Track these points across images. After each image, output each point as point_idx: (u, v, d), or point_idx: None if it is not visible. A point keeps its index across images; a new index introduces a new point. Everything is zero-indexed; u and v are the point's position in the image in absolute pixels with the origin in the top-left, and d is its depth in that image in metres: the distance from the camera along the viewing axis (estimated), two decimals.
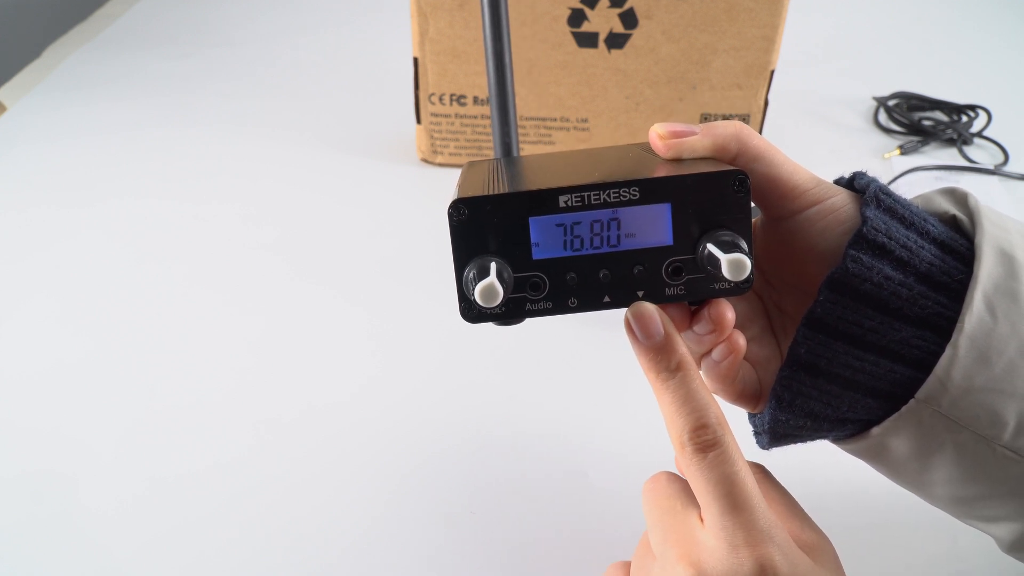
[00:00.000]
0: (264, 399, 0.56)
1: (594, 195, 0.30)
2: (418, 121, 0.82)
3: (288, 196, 0.79)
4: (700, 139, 0.33)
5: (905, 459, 0.34)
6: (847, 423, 0.34)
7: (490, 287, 0.29)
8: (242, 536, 0.47)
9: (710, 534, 0.29)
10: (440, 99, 0.80)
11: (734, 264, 0.29)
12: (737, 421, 0.46)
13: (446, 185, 0.81)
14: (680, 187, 0.30)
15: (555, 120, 0.81)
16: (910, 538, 0.47)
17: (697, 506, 0.31)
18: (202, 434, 0.53)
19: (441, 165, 0.84)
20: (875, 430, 0.33)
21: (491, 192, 0.30)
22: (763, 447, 0.37)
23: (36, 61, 1.04)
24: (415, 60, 0.78)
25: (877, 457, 0.35)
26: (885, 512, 0.48)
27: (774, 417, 0.34)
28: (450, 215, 0.30)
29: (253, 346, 0.61)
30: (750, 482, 0.29)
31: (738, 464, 0.29)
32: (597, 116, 0.80)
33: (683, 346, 0.31)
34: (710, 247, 0.30)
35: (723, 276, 0.30)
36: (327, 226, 0.75)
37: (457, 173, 0.83)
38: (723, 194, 0.30)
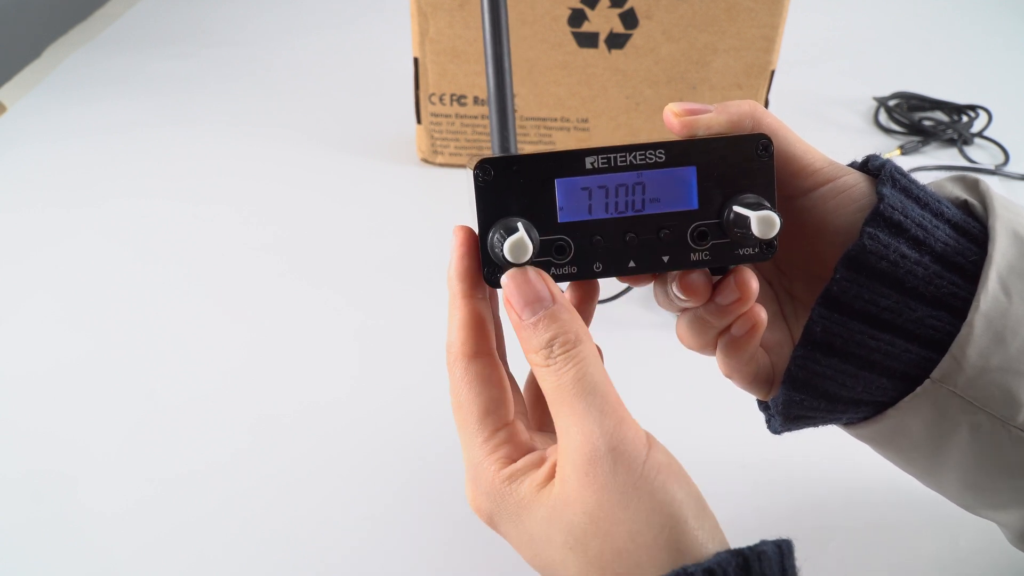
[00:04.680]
0: (264, 398, 0.56)
1: (620, 157, 0.30)
2: (418, 121, 0.82)
3: (288, 196, 0.79)
4: (715, 116, 0.33)
5: (918, 442, 0.33)
6: (861, 405, 0.34)
7: (520, 241, 0.29)
8: (243, 536, 0.47)
9: None
10: (440, 99, 0.80)
11: (764, 220, 0.29)
12: (746, 399, 0.46)
13: (446, 185, 0.81)
14: (705, 150, 0.31)
15: (555, 120, 0.81)
16: (910, 539, 0.47)
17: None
18: (202, 434, 0.53)
19: (441, 165, 0.84)
20: (890, 411, 0.33)
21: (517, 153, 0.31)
22: (775, 431, 0.37)
23: (36, 61, 1.04)
24: (415, 60, 0.78)
25: (890, 442, 0.35)
26: (886, 513, 0.48)
27: (788, 398, 0.34)
28: (476, 175, 0.30)
29: (253, 346, 0.61)
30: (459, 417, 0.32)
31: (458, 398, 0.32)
32: (597, 116, 0.80)
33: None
34: (736, 208, 0.30)
35: (748, 240, 0.30)
36: (327, 226, 0.75)
37: (457, 173, 0.83)
38: (747, 158, 0.31)
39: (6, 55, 1.06)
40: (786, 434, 0.42)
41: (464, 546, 0.47)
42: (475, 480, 0.30)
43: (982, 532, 0.46)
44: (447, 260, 0.31)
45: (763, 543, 0.26)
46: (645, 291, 0.66)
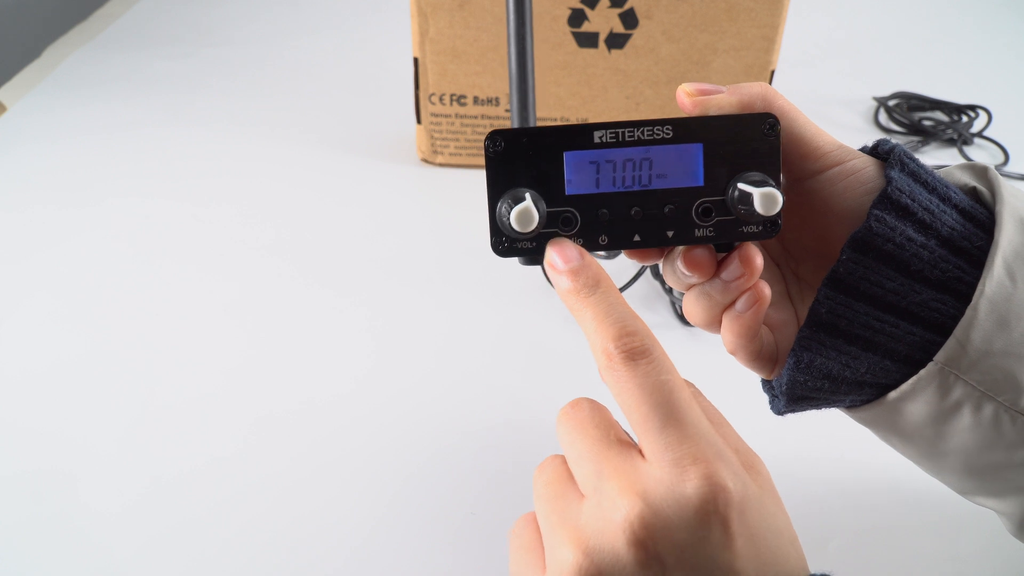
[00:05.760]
0: (264, 398, 0.56)
1: (628, 132, 0.31)
2: (418, 121, 0.82)
3: (288, 196, 0.79)
4: (727, 97, 0.33)
5: (920, 426, 0.34)
6: (864, 387, 0.34)
7: (526, 210, 0.29)
8: (242, 535, 0.47)
9: (652, 458, 0.26)
10: (440, 99, 0.80)
11: (766, 197, 0.29)
12: (746, 393, 0.46)
13: (446, 185, 0.81)
14: (712, 127, 0.31)
15: (555, 120, 0.81)
16: (911, 540, 0.47)
17: (632, 440, 0.28)
18: (202, 433, 0.53)
19: (441, 165, 0.84)
20: (892, 394, 0.33)
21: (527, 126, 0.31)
22: (778, 411, 0.37)
23: (36, 61, 1.04)
24: (415, 60, 0.78)
25: (891, 426, 0.35)
26: (886, 514, 0.48)
27: (792, 378, 0.34)
28: (486, 146, 0.31)
29: (253, 345, 0.61)
30: (686, 393, 0.27)
31: (673, 373, 0.27)
32: (597, 116, 0.80)
33: (601, 269, 0.30)
34: (741, 185, 0.31)
35: (752, 217, 0.30)
36: (327, 226, 0.75)
37: (457, 173, 0.83)
38: (754, 136, 0.31)
39: (6, 55, 1.06)
40: (786, 433, 0.42)
41: (466, 548, 0.47)
42: (721, 458, 0.26)
43: (982, 532, 0.46)
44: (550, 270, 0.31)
45: None
46: (645, 291, 0.66)
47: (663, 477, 0.25)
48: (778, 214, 0.30)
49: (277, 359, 0.60)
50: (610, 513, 0.26)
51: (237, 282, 0.67)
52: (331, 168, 0.83)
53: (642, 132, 0.31)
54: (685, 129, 0.31)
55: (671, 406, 0.26)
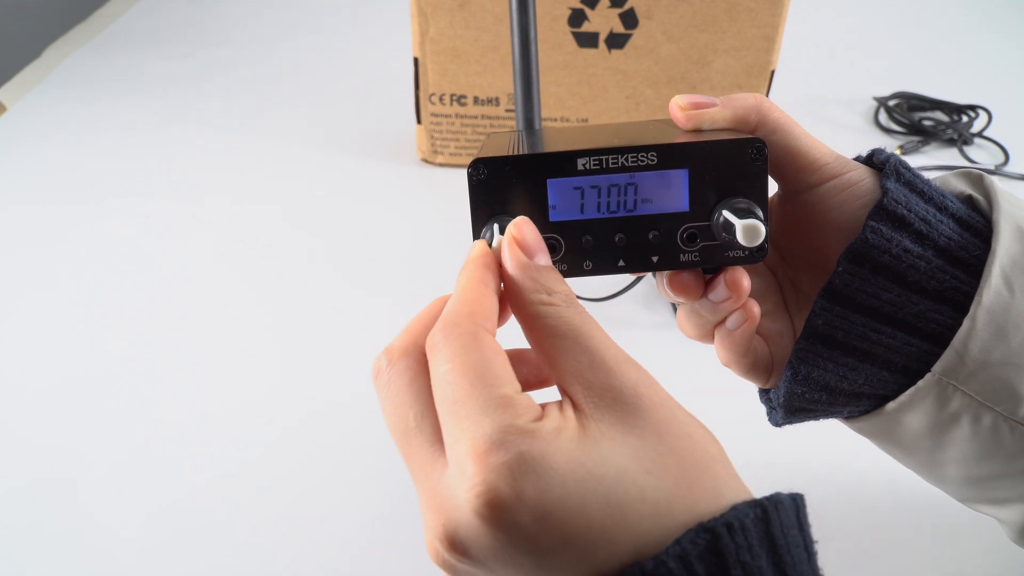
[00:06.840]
0: (264, 398, 0.56)
1: (612, 159, 0.30)
2: (418, 121, 0.82)
3: (287, 196, 0.79)
4: (720, 110, 0.33)
5: (919, 437, 0.33)
6: (862, 398, 0.34)
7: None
8: (250, 541, 0.47)
9: (448, 456, 0.24)
10: (440, 99, 0.80)
11: (749, 229, 0.29)
12: (746, 394, 0.46)
13: (446, 185, 0.81)
14: (698, 153, 0.30)
15: (555, 120, 0.81)
16: (911, 540, 0.47)
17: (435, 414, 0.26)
18: (206, 437, 0.53)
19: (441, 165, 0.84)
20: (890, 405, 0.33)
21: (511, 153, 0.31)
22: (776, 423, 0.37)
23: (36, 61, 1.04)
24: (415, 60, 0.78)
25: (890, 436, 0.35)
26: (886, 514, 0.48)
27: (789, 390, 0.34)
28: (469, 175, 0.30)
29: (253, 345, 0.61)
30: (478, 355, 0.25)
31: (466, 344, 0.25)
32: (597, 116, 0.80)
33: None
34: (725, 213, 0.30)
35: (738, 243, 0.30)
36: (327, 226, 0.75)
37: (458, 173, 0.83)
38: (740, 161, 0.31)
39: (6, 55, 1.06)
40: (787, 435, 0.42)
41: None
42: (500, 444, 0.23)
43: (982, 533, 0.46)
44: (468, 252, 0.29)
45: (778, 493, 0.25)
46: (644, 291, 0.66)
47: (452, 489, 0.24)
48: (764, 241, 0.30)
49: (277, 359, 0.60)
50: (425, 527, 0.25)
51: (236, 282, 0.67)
52: (331, 168, 0.83)
53: (626, 159, 0.30)
54: (670, 155, 0.30)
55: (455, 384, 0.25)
